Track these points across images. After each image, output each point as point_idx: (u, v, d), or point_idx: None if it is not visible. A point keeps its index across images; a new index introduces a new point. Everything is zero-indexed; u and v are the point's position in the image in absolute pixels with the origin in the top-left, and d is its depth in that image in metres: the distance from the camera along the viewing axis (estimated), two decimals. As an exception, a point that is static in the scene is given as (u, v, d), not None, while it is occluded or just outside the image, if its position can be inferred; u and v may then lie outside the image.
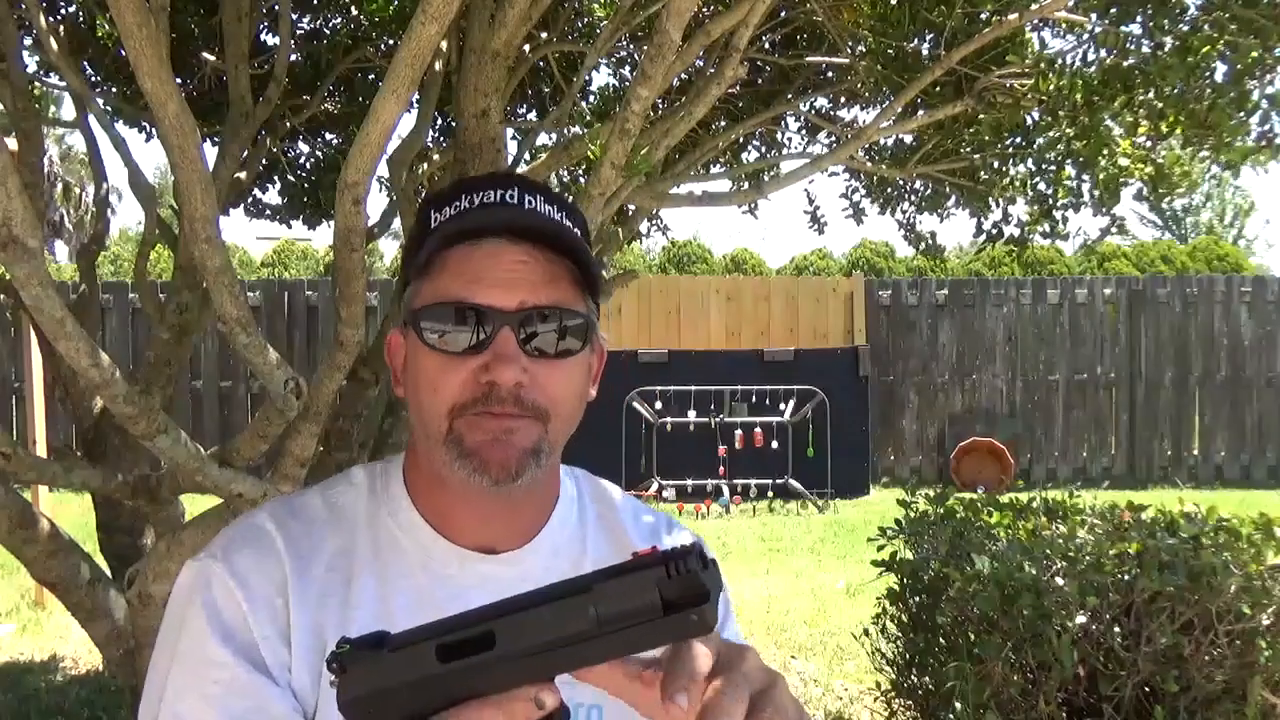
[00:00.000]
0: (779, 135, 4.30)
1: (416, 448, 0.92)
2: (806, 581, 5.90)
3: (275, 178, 4.20)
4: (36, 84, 3.74)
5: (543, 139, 4.14)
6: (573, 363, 0.88)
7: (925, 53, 3.19)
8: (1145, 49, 2.79)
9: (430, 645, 0.61)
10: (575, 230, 0.89)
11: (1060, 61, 2.96)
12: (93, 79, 3.67)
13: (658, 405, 8.66)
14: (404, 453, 0.97)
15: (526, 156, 3.84)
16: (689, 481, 8.57)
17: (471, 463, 0.84)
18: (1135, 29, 2.81)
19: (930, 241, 4.15)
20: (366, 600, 0.87)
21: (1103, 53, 2.89)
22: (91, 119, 3.28)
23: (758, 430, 8.60)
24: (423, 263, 0.87)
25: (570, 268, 0.88)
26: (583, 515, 1.00)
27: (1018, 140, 3.30)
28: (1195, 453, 9.96)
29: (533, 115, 4.12)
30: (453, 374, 0.84)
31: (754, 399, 8.76)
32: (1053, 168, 3.31)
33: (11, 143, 3.01)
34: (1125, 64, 2.81)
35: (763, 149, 4.37)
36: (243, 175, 3.39)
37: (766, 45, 3.67)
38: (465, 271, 0.85)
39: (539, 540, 0.94)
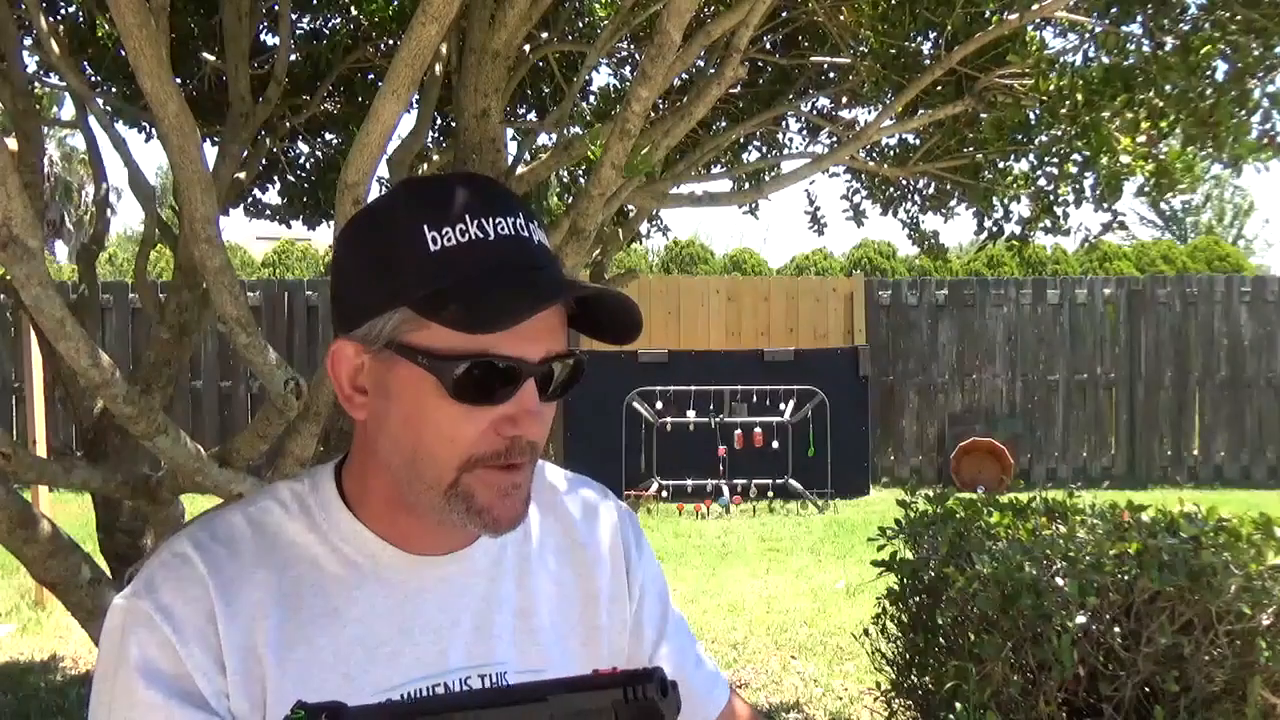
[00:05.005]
0: (780, 135, 4.30)
1: (372, 468, 0.89)
2: (806, 581, 5.90)
3: (275, 178, 4.20)
4: (36, 84, 3.74)
5: (543, 139, 4.14)
6: None
7: (926, 52, 3.19)
8: (1146, 48, 2.79)
9: None
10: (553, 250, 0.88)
11: (1061, 61, 2.96)
12: (93, 79, 3.67)
13: (658, 405, 8.65)
14: (332, 463, 0.94)
15: (526, 156, 3.83)
16: (689, 481, 8.56)
17: (482, 519, 0.83)
18: (1136, 29, 2.81)
19: (933, 241, 4.15)
20: (317, 615, 0.86)
21: (1103, 52, 2.89)
22: (91, 119, 3.28)
23: (758, 430, 8.60)
24: (431, 297, 0.79)
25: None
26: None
27: (1019, 137, 3.30)
28: (1195, 453, 9.95)
29: (533, 115, 4.12)
30: (471, 425, 0.81)
31: (754, 399, 8.75)
32: (1054, 163, 3.31)
33: (11, 143, 3.01)
34: (1126, 63, 2.81)
35: (763, 149, 4.37)
36: (243, 175, 3.39)
37: (767, 45, 3.66)
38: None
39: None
